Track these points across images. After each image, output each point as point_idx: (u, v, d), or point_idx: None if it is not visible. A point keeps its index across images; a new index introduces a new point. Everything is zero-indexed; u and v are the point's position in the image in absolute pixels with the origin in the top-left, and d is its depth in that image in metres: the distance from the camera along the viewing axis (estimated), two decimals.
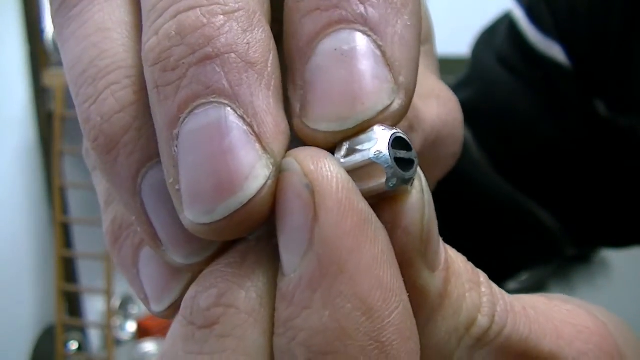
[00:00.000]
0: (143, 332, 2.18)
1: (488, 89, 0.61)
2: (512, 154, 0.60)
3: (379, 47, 0.18)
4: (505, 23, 0.61)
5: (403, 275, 0.18)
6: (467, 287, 0.20)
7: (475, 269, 0.21)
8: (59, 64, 1.92)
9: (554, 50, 0.56)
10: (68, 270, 2.06)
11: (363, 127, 0.18)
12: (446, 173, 0.37)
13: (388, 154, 0.17)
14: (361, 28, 0.18)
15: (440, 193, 0.33)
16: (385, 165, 0.17)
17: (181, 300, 0.19)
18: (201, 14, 0.18)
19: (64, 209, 1.99)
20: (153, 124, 0.19)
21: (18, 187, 2.09)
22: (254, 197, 0.17)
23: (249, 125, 0.17)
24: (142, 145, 0.19)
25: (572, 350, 0.20)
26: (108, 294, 1.93)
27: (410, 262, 0.18)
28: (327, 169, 0.17)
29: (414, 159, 0.18)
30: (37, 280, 2.14)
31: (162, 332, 2.09)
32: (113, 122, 0.19)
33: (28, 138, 2.10)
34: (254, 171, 0.17)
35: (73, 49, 0.20)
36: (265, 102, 0.18)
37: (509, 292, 0.21)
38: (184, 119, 0.18)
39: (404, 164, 0.18)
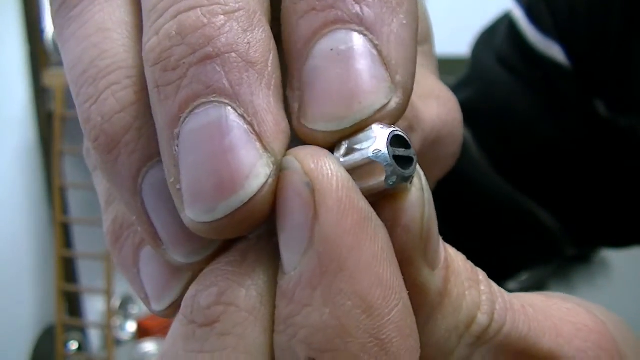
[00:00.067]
0: (143, 332, 2.18)
1: (488, 89, 0.61)
2: (512, 153, 0.60)
3: (375, 46, 0.18)
4: (505, 23, 0.61)
5: (403, 274, 0.18)
6: (467, 285, 0.20)
7: (474, 267, 0.21)
8: (59, 64, 1.92)
9: (554, 50, 0.56)
10: (68, 270, 2.06)
11: (361, 126, 0.18)
12: (446, 173, 0.37)
13: (387, 152, 0.18)
14: (357, 28, 0.18)
15: (440, 193, 0.33)
16: (384, 163, 0.17)
17: (181, 300, 0.19)
18: (202, 14, 0.18)
19: (64, 209, 1.99)
20: (153, 124, 0.19)
21: (18, 187, 2.09)
22: (255, 195, 0.17)
23: (250, 124, 0.18)
24: (143, 145, 0.19)
25: (571, 348, 0.21)
26: (108, 294, 1.93)
27: (410, 260, 0.19)
28: (327, 168, 0.17)
29: (413, 156, 0.18)
30: (37, 280, 2.14)
31: (162, 332, 2.09)
32: (114, 121, 0.19)
33: (28, 138, 2.10)
34: (255, 170, 0.17)
35: (74, 49, 0.20)
36: (266, 101, 0.18)
37: (509, 291, 0.21)
38: (185, 119, 0.18)
39: (403, 162, 0.18)
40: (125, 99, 0.19)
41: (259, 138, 0.18)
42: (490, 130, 0.60)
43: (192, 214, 0.18)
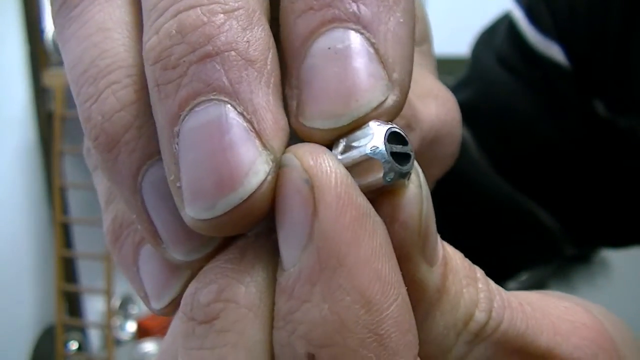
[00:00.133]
0: (143, 332, 2.18)
1: (488, 89, 0.61)
2: (512, 153, 0.60)
3: (372, 44, 0.19)
4: (505, 23, 0.61)
5: (401, 270, 0.18)
6: (465, 283, 0.20)
7: (472, 265, 0.21)
8: (59, 64, 1.92)
9: (553, 51, 0.57)
10: (68, 270, 2.06)
11: (358, 124, 0.18)
12: (444, 173, 0.37)
13: (384, 148, 0.18)
14: (354, 26, 0.19)
15: (440, 193, 0.33)
16: (382, 160, 0.18)
17: (181, 297, 0.19)
18: (201, 12, 0.18)
19: (64, 209, 1.99)
20: (153, 123, 0.19)
21: (18, 187, 2.09)
22: (254, 192, 0.17)
23: (249, 122, 0.18)
24: (143, 143, 0.19)
25: (568, 346, 0.21)
26: (108, 294, 1.93)
27: (408, 256, 0.19)
28: (326, 165, 0.17)
29: (410, 153, 0.18)
30: (37, 280, 2.14)
31: (162, 332, 2.09)
32: (114, 120, 0.19)
33: (28, 138, 2.10)
34: (254, 167, 0.17)
35: (74, 49, 0.20)
36: (265, 99, 0.18)
37: (508, 291, 0.22)
38: (185, 117, 0.18)
39: (401, 158, 0.18)
40: (125, 97, 0.19)
41: (258, 136, 0.18)
42: (490, 130, 0.60)
43: (192, 212, 0.18)
